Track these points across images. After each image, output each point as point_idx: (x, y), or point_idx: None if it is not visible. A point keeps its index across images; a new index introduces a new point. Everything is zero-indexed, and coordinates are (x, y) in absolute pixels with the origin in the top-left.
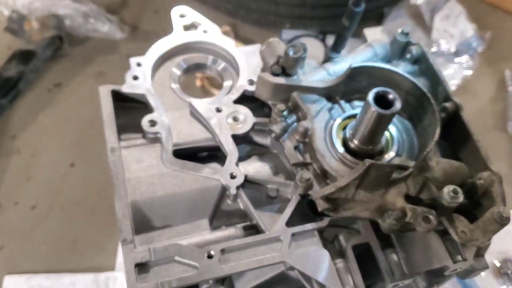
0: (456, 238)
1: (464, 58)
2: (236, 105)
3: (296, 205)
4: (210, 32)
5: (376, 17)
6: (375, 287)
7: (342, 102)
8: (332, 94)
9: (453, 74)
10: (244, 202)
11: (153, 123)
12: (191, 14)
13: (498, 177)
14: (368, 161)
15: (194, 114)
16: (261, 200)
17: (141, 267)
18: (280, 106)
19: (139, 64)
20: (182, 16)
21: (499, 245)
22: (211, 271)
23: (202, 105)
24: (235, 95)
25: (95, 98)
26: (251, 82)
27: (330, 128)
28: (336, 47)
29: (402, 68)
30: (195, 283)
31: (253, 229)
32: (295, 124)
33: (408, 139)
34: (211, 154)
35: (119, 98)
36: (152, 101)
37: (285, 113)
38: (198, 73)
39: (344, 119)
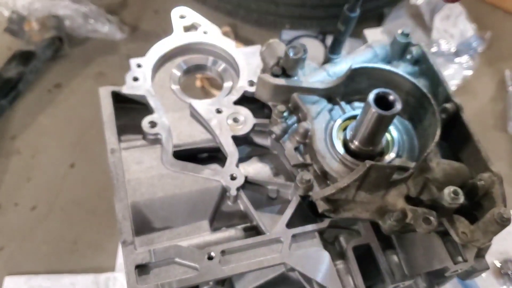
0: (456, 239)
1: (464, 58)
2: (236, 106)
3: (296, 206)
4: (210, 33)
5: (376, 17)
6: None
7: (342, 103)
8: (332, 95)
9: (453, 74)
10: (244, 203)
11: (153, 124)
12: (191, 15)
13: (499, 178)
14: (368, 162)
15: (194, 115)
16: (262, 201)
17: (142, 269)
18: (280, 107)
19: (139, 65)
20: (182, 17)
21: (500, 246)
22: (212, 272)
23: (202, 106)
24: (235, 96)
25: (95, 99)
26: (251, 83)
27: (331, 129)
28: (334, 50)
29: (402, 69)
30: (195, 285)
31: (254, 230)
32: (296, 125)
33: (408, 140)
34: (211, 155)
35: (119, 99)
36: (152, 102)
37: (285, 114)
38: (198, 74)
39: (344, 120)
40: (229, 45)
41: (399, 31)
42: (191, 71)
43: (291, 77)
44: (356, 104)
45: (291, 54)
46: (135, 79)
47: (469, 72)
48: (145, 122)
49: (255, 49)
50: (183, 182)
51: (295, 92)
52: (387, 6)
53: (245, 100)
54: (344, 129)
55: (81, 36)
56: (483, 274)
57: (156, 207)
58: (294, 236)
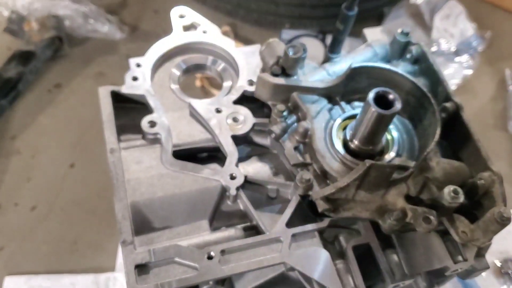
0: (456, 239)
1: (464, 58)
2: (236, 106)
3: (296, 206)
4: (210, 33)
5: (376, 17)
6: (376, 287)
7: (342, 102)
8: (332, 94)
9: (453, 73)
10: (244, 203)
11: (152, 124)
12: (191, 15)
13: (499, 177)
14: (368, 162)
15: (194, 114)
16: (261, 200)
17: (141, 268)
18: (280, 107)
19: (138, 65)
20: (181, 16)
21: (500, 245)
22: (211, 272)
23: (201, 105)
24: (235, 95)
25: (95, 99)
26: (250, 83)
27: (330, 128)
28: (333, 50)
29: (402, 68)
30: (195, 284)
31: (253, 230)
32: (295, 124)
33: (408, 139)
34: (211, 155)
35: (118, 99)
36: (151, 102)
37: (285, 113)
38: (198, 74)
39: (344, 120)
40: (228, 45)
41: (399, 30)
42: (190, 70)
43: (290, 76)
44: (356, 103)
45: (290, 54)
46: (135, 78)
47: (469, 72)
48: (144, 122)
49: (255, 48)
50: (182, 182)
51: (295, 91)
52: (387, 6)
53: (245, 99)
54: (344, 129)
55: (81, 36)
56: (483, 274)
57: (155, 207)
58: (294, 235)
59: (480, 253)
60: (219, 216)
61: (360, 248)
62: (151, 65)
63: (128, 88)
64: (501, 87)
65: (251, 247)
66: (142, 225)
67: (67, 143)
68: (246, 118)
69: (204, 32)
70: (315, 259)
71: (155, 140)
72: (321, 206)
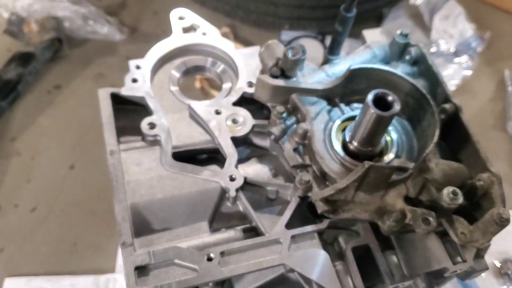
0: (455, 240)
1: (464, 58)
2: (235, 107)
3: (295, 207)
4: (209, 34)
5: (375, 18)
6: None
7: (341, 104)
8: (331, 96)
9: (453, 74)
10: (243, 204)
11: (152, 125)
12: (190, 17)
13: (498, 179)
14: (367, 163)
15: (194, 116)
16: (261, 202)
17: (141, 270)
18: (279, 108)
19: (138, 67)
20: (181, 18)
21: (500, 246)
22: (211, 273)
23: (201, 107)
24: (234, 97)
25: (94, 100)
26: (250, 84)
27: (329, 130)
28: (332, 51)
29: (401, 70)
30: (194, 286)
31: (253, 231)
32: (295, 126)
33: (407, 141)
34: (210, 156)
35: (118, 101)
36: (151, 103)
37: (284, 115)
38: (197, 75)
39: (343, 121)
40: (228, 46)
41: (398, 32)
42: (190, 72)
43: (290, 78)
44: (355, 105)
45: (289, 55)
46: (134, 80)
47: (469, 72)
48: (144, 124)
49: (254, 50)
50: (182, 184)
51: (294, 93)
52: (386, 7)
53: (244, 101)
54: (343, 130)
55: (80, 37)
56: (483, 274)
57: (155, 209)
58: (293, 237)
59: (479, 254)
60: (219, 217)
61: (359, 249)
62: (151, 67)
63: (127, 90)
64: (500, 88)
65: (250, 248)
66: (142, 226)
67: (67, 145)
68: (245, 120)
69: (204, 34)
70: (315, 261)
71: (155, 142)
72: (321, 207)
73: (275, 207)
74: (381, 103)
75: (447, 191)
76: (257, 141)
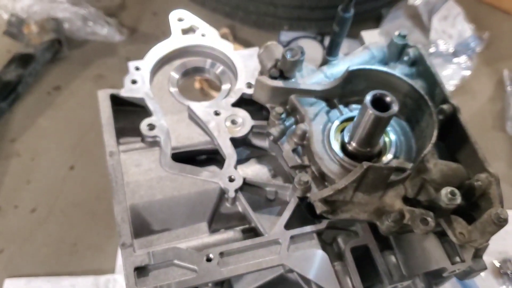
0: (454, 240)
1: (463, 59)
2: (235, 108)
3: (294, 208)
4: (208, 36)
5: (374, 18)
6: None
7: (340, 105)
8: (329, 96)
9: (452, 74)
10: (242, 205)
11: (151, 126)
12: (189, 18)
13: (496, 179)
14: (366, 164)
15: (193, 117)
16: (260, 203)
17: (141, 271)
18: (278, 109)
19: (137, 68)
20: (180, 20)
21: (499, 245)
22: (210, 274)
23: (200, 108)
24: (234, 98)
25: (94, 101)
26: (249, 85)
27: (328, 130)
28: (331, 52)
29: (399, 71)
30: (194, 286)
31: (252, 232)
32: (293, 126)
33: (406, 141)
34: (209, 157)
35: (117, 102)
36: (150, 105)
37: (283, 116)
38: (197, 76)
39: (342, 122)
40: (227, 48)
41: (396, 33)
42: (189, 73)
43: (288, 79)
44: (354, 105)
45: (288, 56)
46: (134, 82)
47: (468, 72)
48: (143, 125)
49: (253, 51)
50: (181, 184)
51: (293, 94)
52: (385, 7)
53: (243, 102)
54: (342, 131)
55: (80, 38)
56: (482, 274)
57: (155, 210)
58: (292, 237)
59: (478, 254)
60: (218, 218)
61: (358, 249)
62: (150, 68)
63: (127, 91)
64: (499, 88)
65: (249, 249)
66: (142, 227)
67: (67, 146)
68: (244, 121)
69: (203, 35)
70: (314, 261)
71: (154, 143)
72: (319, 208)
73: (274, 208)
74: (379, 104)
75: (445, 191)
76: (256, 142)
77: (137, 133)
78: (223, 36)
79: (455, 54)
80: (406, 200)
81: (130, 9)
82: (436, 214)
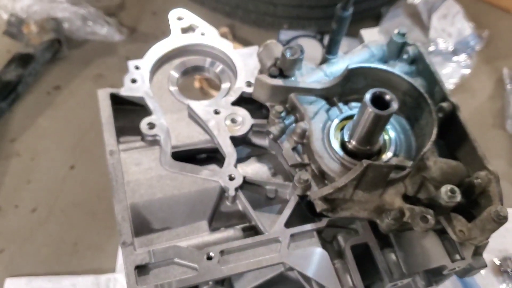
0: (454, 237)
1: (462, 57)
2: (234, 107)
3: (294, 206)
4: (208, 35)
5: (373, 17)
6: (374, 287)
7: (339, 103)
8: (329, 95)
9: (451, 73)
10: (243, 204)
11: (151, 125)
12: (189, 17)
13: (495, 177)
14: (365, 162)
15: (193, 116)
16: (260, 201)
17: (141, 269)
18: (278, 108)
19: (137, 67)
20: (179, 19)
21: (499, 244)
22: (211, 272)
23: (200, 107)
24: (233, 97)
25: (94, 101)
26: (249, 84)
27: (328, 129)
28: (330, 50)
29: (399, 69)
30: (194, 285)
31: (252, 230)
32: (293, 125)
33: (405, 139)
34: (209, 156)
35: (117, 101)
36: (150, 103)
37: (283, 114)
38: (196, 75)
39: (341, 120)
40: (226, 47)
41: (396, 31)
42: (189, 72)
43: (288, 77)
44: (353, 104)
45: (288, 55)
46: (133, 81)
47: (467, 71)
48: (143, 124)
49: (252, 50)
50: (181, 183)
51: (293, 92)
52: (384, 6)
53: (243, 101)
54: (342, 129)
55: (79, 38)
56: (483, 272)
57: (155, 208)
58: (292, 235)
59: (478, 252)
60: (218, 216)
61: (358, 247)
62: (150, 67)
63: (127, 90)
64: (499, 86)
65: (250, 247)
66: (142, 226)
67: (67, 145)
68: (244, 119)
69: (202, 34)
70: (314, 259)
71: (154, 142)
72: (320, 206)
73: (274, 206)
74: (379, 102)
75: (445, 189)
76: (256, 140)
77: (137, 132)
78: (223, 35)
79: (455, 52)
80: (406, 198)
81: (129, 9)
82: (436, 212)
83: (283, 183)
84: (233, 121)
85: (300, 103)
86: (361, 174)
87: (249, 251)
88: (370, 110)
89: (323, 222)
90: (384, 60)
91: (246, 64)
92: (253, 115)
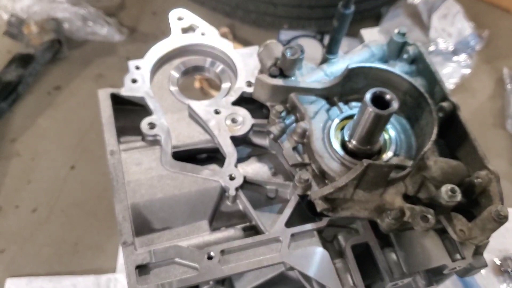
0: (454, 237)
1: (462, 57)
2: (235, 107)
3: (295, 206)
4: (208, 35)
5: (373, 17)
6: (375, 286)
7: (340, 103)
8: (329, 95)
9: (452, 72)
10: (243, 203)
11: (152, 125)
12: (189, 17)
13: (496, 176)
14: (366, 161)
15: (193, 116)
16: (260, 201)
17: (142, 269)
18: (278, 107)
19: (137, 67)
20: (180, 19)
21: (499, 243)
22: (211, 272)
23: (200, 107)
24: (234, 97)
25: (94, 101)
26: (249, 84)
27: (328, 128)
28: (330, 50)
29: (399, 68)
30: (195, 284)
31: (253, 230)
32: (294, 125)
33: (406, 139)
34: (210, 155)
35: (118, 101)
36: (151, 103)
37: (283, 114)
38: (197, 75)
39: (342, 120)
40: (226, 47)
41: (396, 31)
42: (189, 72)
43: (288, 77)
44: (354, 103)
45: (288, 55)
46: (134, 81)
47: (467, 71)
48: (144, 124)
49: (253, 50)
50: (182, 183)
51: (293, 92)
52: (384, 6)
53: (243, 100)
54: (342, 129)
55: (80, 38)
56: (483, 272)
57: (155, 208)
58: (293, 235)
59: (478, 251)
60: (219, 216)
61: (358, 247)
62: (150, 67)
63: (127, 91)
64: (499, 86)
65: (250, 247)
66: (143, 226)
67: (67, 145)
68: (244, 119)
69: (203, 34)
70: (314, 259)
71: (155, 142)
72: (320, 205)
73: (274, 206)
74: (379, 101)
75: (445, 188)
76: (257, 140)
77: (137, 132)
78: (223, 35)
79: (455, 52)
80: (407, 197)
81: (129, 9)
82: (436, 211)
83: (284, 182)
84: (234, 121)
85: (301, 103)
86: (362, 173)
87: (249, 250)
88: (371, 109)
89: (323, 222)
90: (384, 60)
91: (246, 64)
92: (254, 115)
